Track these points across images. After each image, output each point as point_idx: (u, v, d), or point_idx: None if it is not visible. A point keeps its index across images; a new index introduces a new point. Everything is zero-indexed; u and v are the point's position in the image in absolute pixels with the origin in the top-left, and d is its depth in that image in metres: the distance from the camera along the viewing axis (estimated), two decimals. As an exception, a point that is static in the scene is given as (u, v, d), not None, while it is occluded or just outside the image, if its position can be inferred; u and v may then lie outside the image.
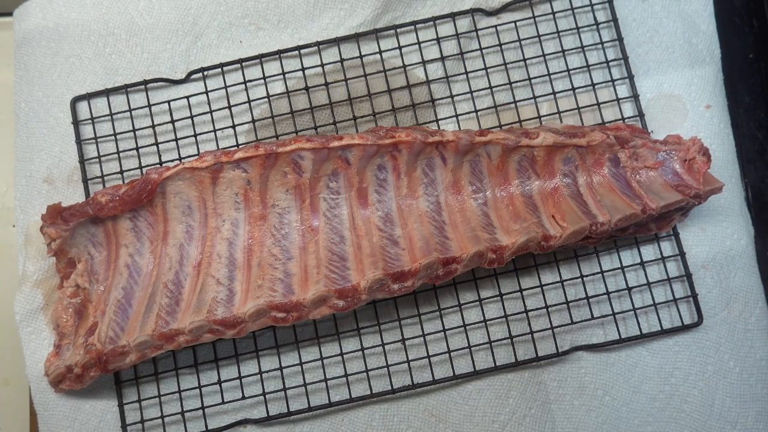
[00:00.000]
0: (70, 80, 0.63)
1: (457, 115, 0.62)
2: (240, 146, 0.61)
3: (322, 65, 0.62)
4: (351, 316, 0.59)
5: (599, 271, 0.60)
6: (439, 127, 0.62)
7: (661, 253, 0.61)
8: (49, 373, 0.56)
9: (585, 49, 0.63)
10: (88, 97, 0.62)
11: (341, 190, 0.57)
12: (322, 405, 0.58)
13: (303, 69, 0.62)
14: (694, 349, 0.60)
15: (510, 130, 0.59)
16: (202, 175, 0.56)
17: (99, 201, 0.55)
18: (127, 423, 0.58)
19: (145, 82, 0.62)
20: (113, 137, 0.62)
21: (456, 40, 0.63)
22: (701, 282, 0.61)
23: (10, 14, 0.65)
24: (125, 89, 0.62)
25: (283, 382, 0.58)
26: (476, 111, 0.62)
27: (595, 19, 0.63)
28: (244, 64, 0.62)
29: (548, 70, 0.63)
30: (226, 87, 0.62)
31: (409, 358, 0.59)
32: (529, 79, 0.63)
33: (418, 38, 0.63)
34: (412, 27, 0.63)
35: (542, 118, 0.62)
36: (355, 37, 0.63)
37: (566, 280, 0.60)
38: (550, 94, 0.62)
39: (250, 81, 0.62)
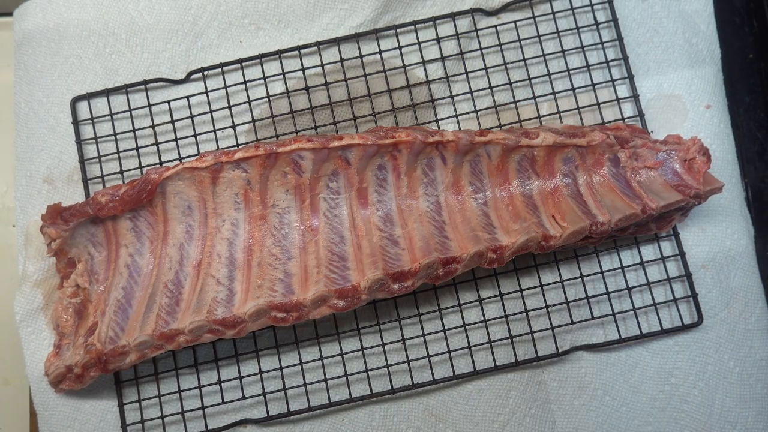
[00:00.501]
0: (70, 80, 0.63)
1: (457, 115, 0.62)
2: (240, 146, 0.61)
3: (322, 65, 0.62)
4: (351, 316, 0.59)
5: (599, 271, 0.60)
6: (439, 127, 0.62)
7: (661, 253, 0.61)
8: (49, 373, 0.56)
9: (585, 49, 0.63)
10: (88, 97, 0.62)
11: (341, 190, 0.57)
12: (322, 405, 0.58)
13: (303, 69, 0.62)
14: (694, 349, 0.60)
15: (510, 130, 0.59)
16: (202, 175, 0.56)
17: (99, 201, 0.55)
18: (127, 423, 0.58)
19: (145, 82, 0.62)
20: (113, 137, 0.62)
21: (456, 40, 0.63)
22: (701, 282, 0.61)
23: (10, 14, 0.65)
24: (125, 89, 0.62)
25: (283, 382, 0.58)
26: (476, 111, 0.62)
27: (595, 19, 0.63)
28: (244, 64, 0.62)
29: (548, 70, 0.63)
30: (226, 87, 0.62)
31: (409, 358, 0.59)
32: (529, 79, 0.63)
33: (418, 38, 0.63)
34: (412, 27, 0.63)
35: (542, 118, 0.62)
36: (355, 37, 0.63)
37: (566, 280, 0.60)
38: (550, 94, 0.62)
39: (250, 81, 0.62)
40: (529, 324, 0.59)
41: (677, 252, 0.61)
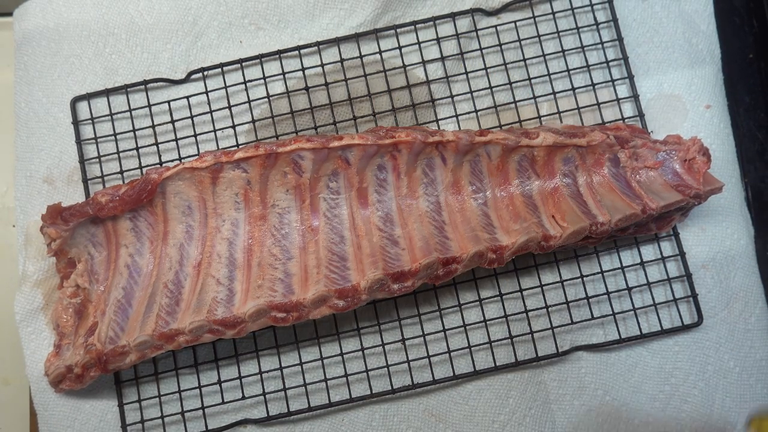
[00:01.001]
0: (70, 80, 0.63)
1: (457, 115, 0.62)
2: (240, 146, 0.61)
3: (322, 65, 0.62)
4: (351, 316, 0.59)
5: (599, 271, 0.60)
6: (439, 127, 0.62)
7: (661, 253, 0.61)
8: (49, 373, 0.56)
9: (585, 49, 0.63)
10: (88, 97, 0.62)
11: (341, 190, 0.57)
12: (322, 405, 0.58)
13: (303, 69, 0.62)
14: (694, 349, 0.60)
15: (510, 130, 0.59)
16: (202, 175, 0.56)
17: (99, 201, 0.55)
18: (127, 423, 0.58)
19: (145, 82, 0.62)
20: (113, 137, 0.62)
21: (456, 40, 0.63)
22: (701, 282, 0.61)
23: (10, 14, 0.65)
24: (125, 89, 0.62)
25: (283, 382, 0.58)
26: (476, 111, 0.62)
27: (595, 19, 0.63)
28: (244, 64, 0.62)
29: (548, 70, 0.63)
30: (226, 87, 0.62)
31: (409, 358, 0.59)
32: (529, 79, 0.63)
33: (418, 38, 0.63)
34: (412, 27, 0.63)
35: (542, 118, 0.62)
36: (355, 37, 0.63)
37: (566, 280, 0.60)
38: (550, 94, 0.62)
39: (250, 81, 0.62)
40: (529, 324, 0.59)
41: (677, 252, 0.61)
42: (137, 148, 0.61)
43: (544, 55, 0.63)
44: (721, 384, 0.60)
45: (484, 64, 0.63)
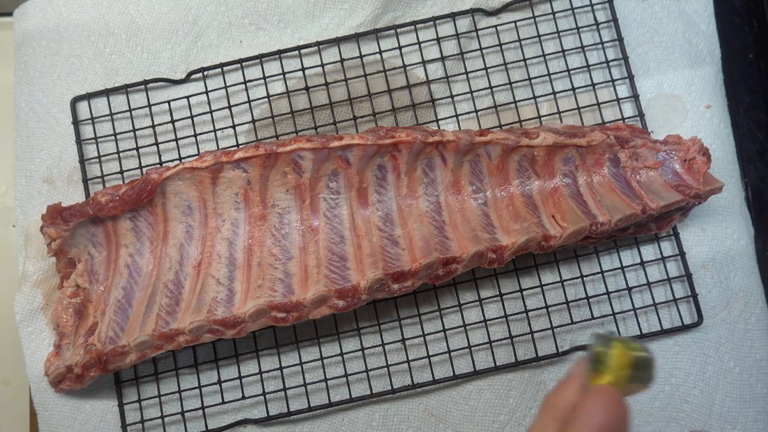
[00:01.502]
0: (70, 80, 0.63)
1: (457, 115, 0.62)
2: (240, 146, 0.61)
3: (322, 65, 0.62)
4: (351, 316, 0.59)
5: (599, 271, 0.60)
6: (439, 127, 0.62)
7: (661, 253, 0.61)
8: (49, 373, 0.56)
9: (585, 49, 0.63)
10: (88, 97, 0.62)
11: (341, 190, 0.57)
12: (322, 405, 0.58)
13: (303, 69, 0.62)
14: (694, 349, 0.60)
15: (510, 130, 0.59)
16: (202, 175, 0.56)
17: (99, 201, 0.55)
18: (127, 423, 0.58)
19: (145, 82, 0.62)
20: (113, 137, 0.62)
21: (456, 40, 0.63)
22: (701, 282, 0.61)
23: (10, 14, 0.65)
24: (125, 89, 0.62)
25: (283, 382, 0.58)
26: (476, 111, 0.62)
27: (595, 19, 0.63)
28: (244, 64, 0.62)
29: (548, 70, 0.63)
30: (226, 87, 0.62)
31: (409, 358, 0.59)
32: (529, 79, 0.63)
33: (418, 38, 0.63)
34: (412, 27, 0.63)
35: (542, 118, 0.62)
36: (355, 37, 0.63)
37: (566, 280, 0.60)
38: (550, 94, 0.62)
39: (250, 81, 0.62)
40: (529, 324, 0.59)
41: (677, 252, 0.61)
42: (137, 148, 0.61)
43: (544, 55, 0.63)
44: (721, 384, 0.60)
45: (484, 64, 0.63)
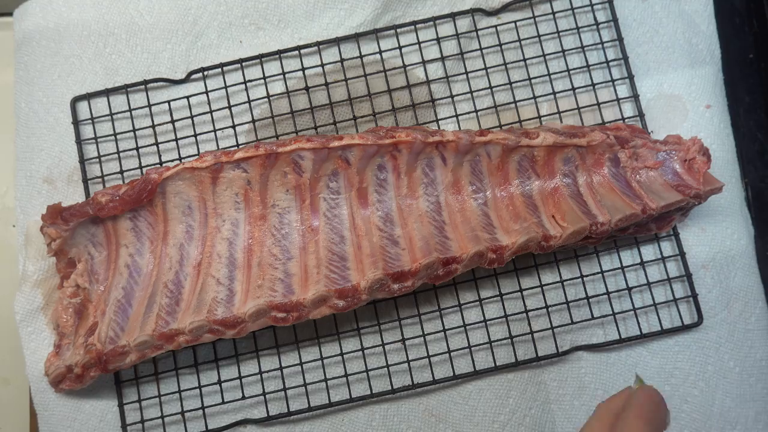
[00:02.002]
0: (70, 80, 0.63)
1: (457, 115, 0.62)
2: (240, 146, 0.61)
3: (322, 65, 0.62)
4: (351, 316, 0.59)
5: (599, 271, 0.60)
6: (439, 127, 0.62)
7: (661, 253, 0.61)
8: (49, 373, 0.56)
9: (585, 49, 0.63)
10: (88, 97, 0.62)
11: (341, 190, 0.57)
12: (322, 405, 0.58)
13: (303, 69, 0.62)
14: (694, 349, 0.60)
15: (510, 130, 0.59)
16: (202, 175, 0.56)
17: (99, 201, 0.55)
18: (127, 423, 0.58)
19: (145, 82, 0.62)
20: (113, 137, 0.62)
21: (456, 40, 0.63)
22: (701, 282, 0.61)
23: (10, 14, 0.65)
24: (125, 89, 0.62)
25: (283, 382, 0.58)
26: (476, 111, 0.62)
27: (595, 19, 0.63)
28: (244, 64, 0.62)
29: (548, 70, 0.63)
30: (226, 87, 0.62)
31: (409, 358, 0.59)
32: (529, 79, 0.63)
33: (418, 38, 0.63)
34: (412, 27, 0.63)
35: (542, 118, 0.62)
36: (355, 37, 0.63)
37: (566, 280, 0.60)
38: (550, 94, 0.62)
39: (250, 81, 0.62)
40: (529, 324, 0.59)
41: (677, 252, 0.61)
42: (137, 148, 0.61)
43: (544, 55, 0.63)
44: (721, 384, 0.60)
45: (484, 64, 0.63)
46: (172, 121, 0.61)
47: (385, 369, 0.59)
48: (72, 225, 0.55)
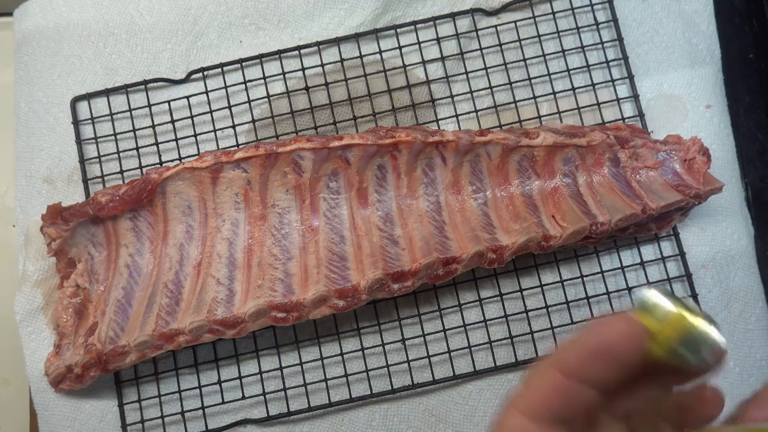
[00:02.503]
0: (70, 80, 0.63)
1: (457, 115, 0.62)
2: (240, 146, 0.61)
3: (322, 65, 0.62)
4: (351, 316, 0.59)
5: (599, 271, 0.60)
6: (439, 127, 0.62)
7: (661, 253, 0.61)
8: (49, 373, 0.56)
9: (585, 49, 0.63)
10: (88, 97, 0.62)
11: (341, 190, 0.57)
12: (322, 405, 0.58)
13: (303, 69, 0.62)
14: (694, 349, 0.60)
15: (510, 130, 0.59)
16: (202, 175, 0.56)
17: (99, 201, 0.55)
18: (127, 423, 0.58)
19: (145, 82, 0.62)
20: (113, 137, 0.62)
21: (456, 40, 0.63)
22: (701, 282, 0.61)
23: (10, 14, 0.65)
24: (125, 89, 0.62)
25: (283, 382, 0.58)
26: (476, 111, 0.62)
27: (595, 19, 0.63)
28: (244, 64, 0.62)
29: (548, 70, 0.63)
30: (226, 87, 0.62)
31: (409, 358, 0.59)
32: (529, 79, 0.63)
33: (418, 38, 0.63)
34: (412, 27, 0.63)
35: (542, 118, 0.62)
36: (355, 37, 0.63)
37: (566, 280, 0.60)
38: (550, 94, 0.62)
39: (250, 81, 0.62)
40: (529, 324, 0.59)
41: (677, 252, 0.61)
42: (137, 148, 0.61)
43: (544, 55, 0.63)
44: (721, 384, 0.59)
45: (484, 64, 0.63)
46: (172, 121, 0.61)
47: (385, 369, 0.59)
48: (72, 225, 0.55)
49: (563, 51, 0.63)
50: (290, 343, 0.59)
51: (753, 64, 0.67)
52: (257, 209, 0.57)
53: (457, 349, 0.59)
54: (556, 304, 0.60)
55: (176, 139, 0.61)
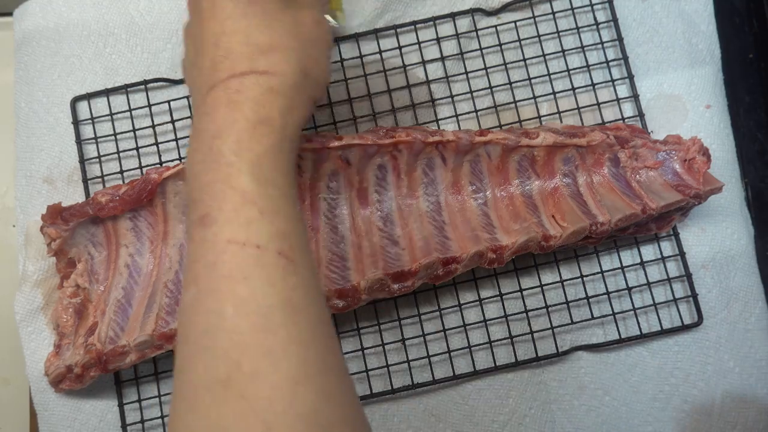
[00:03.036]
0: (70, 80, 0.63)
1: (457, 115, 0.62)
2: (240, 146, 0.61)
3: (322, 65, 0.62)
4: (351, 316, 0.59)
5: (599, 271, 0.60)
6: (439, 127, 0.62)
7: (661, 253, 0.61)
8: (49, 373, 0.56)
9: (585, 49, 0.63)
10: (88, 97, 0.62)
11: (341, 190, 0.57)
12: (322, 405, 0.58)
13: (303, 69, 0.62)
14: (694, 349, 0.60)
15: (510, 130, 0.59)
16: (202, 175, 0.56)
17: (99, 201, 0.55)
18: (127, 423, 0.58)
19: (145, 82, 0.62)
20: (113, 137, 0.62)
21: (456, 40, 0.63)
22: (701, 282, 0.61)
23: (10, 14, 0.65)
24: (125, 89, 0.62)
25: (283, 382, 0.58)
26: (476, 111, 0.62)
27: (595, 19, 0.63)
28: (244, 64, 0.62)
29: (548, 70, 0.63)
30: (226, 87, 0.62)
31: (409, 358, 0.59)
32: (529, 79, 0.63)
33: (418, 38, 0.63)
34: (412, 27, 0.63)
35: (542, 118, 0.62)
36: (355, 37, 0.63)
37: (566, 280, 0.60)
38: (550, 94, 0.62)
39: (250, 81, 0.62)
40: (529, 324, 0.59)
41: (677, 252, 0.61)
42: (137, 148, 0.61)
43: (544, 55, 0.63)
44: (721, 384, 0.60)
45: (484, 64, 0.63)
46: (172, 121, 0.61)
47: (385, 369, 0.59)
48: (72, 225, 0.55)
49: (563, 51, 0.63)
50: (290, 343, 0.59)
51: (753, 64, 0.67)
52: (257, 209, 0.57)
53: (456, 349, 0.59)
54: (556, 304, 0.60)
55: (176, 139, 0.61)
